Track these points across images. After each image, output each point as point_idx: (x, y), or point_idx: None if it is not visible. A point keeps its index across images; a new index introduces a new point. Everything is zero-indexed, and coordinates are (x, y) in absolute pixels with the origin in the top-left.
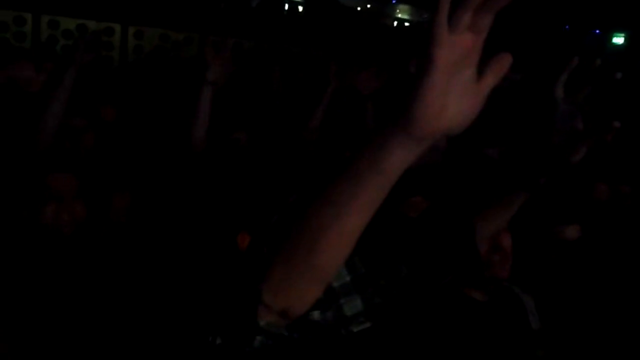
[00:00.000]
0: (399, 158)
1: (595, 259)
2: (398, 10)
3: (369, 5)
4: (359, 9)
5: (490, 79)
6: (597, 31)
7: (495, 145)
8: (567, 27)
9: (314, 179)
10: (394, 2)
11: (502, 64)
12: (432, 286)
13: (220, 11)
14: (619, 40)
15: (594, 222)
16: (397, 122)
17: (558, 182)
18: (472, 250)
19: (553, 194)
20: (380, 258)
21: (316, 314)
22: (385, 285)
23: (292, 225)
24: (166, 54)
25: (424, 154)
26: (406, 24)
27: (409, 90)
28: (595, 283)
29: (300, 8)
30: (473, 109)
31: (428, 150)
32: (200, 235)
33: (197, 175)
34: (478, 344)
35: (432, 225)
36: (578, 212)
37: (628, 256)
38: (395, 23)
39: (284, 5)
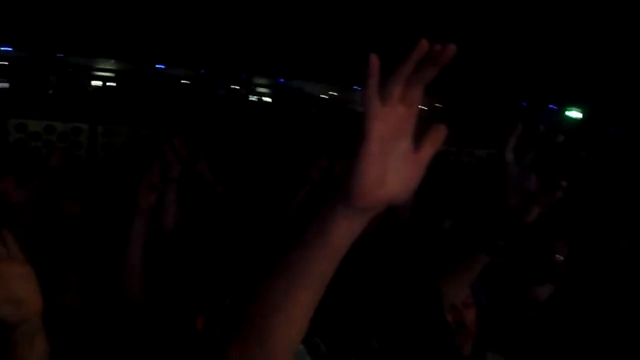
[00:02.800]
0: (344, 229)
1: (571, 314)
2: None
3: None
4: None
5: (428, 149)
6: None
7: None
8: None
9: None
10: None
11: (439, 135)
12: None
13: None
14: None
15: (560, 279)
16: (339, 194)
17: (517, 243)
18: (441, 319)
19: (516, 255)
20: (347, 333)
21: None
22: None
23: (243, 307)
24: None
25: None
26: None
27: (348, 165)
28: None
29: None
30: (413, 178)
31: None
32: (162, 316)
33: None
34: None
35: (400, 294)
36: (543, 271)
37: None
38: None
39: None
